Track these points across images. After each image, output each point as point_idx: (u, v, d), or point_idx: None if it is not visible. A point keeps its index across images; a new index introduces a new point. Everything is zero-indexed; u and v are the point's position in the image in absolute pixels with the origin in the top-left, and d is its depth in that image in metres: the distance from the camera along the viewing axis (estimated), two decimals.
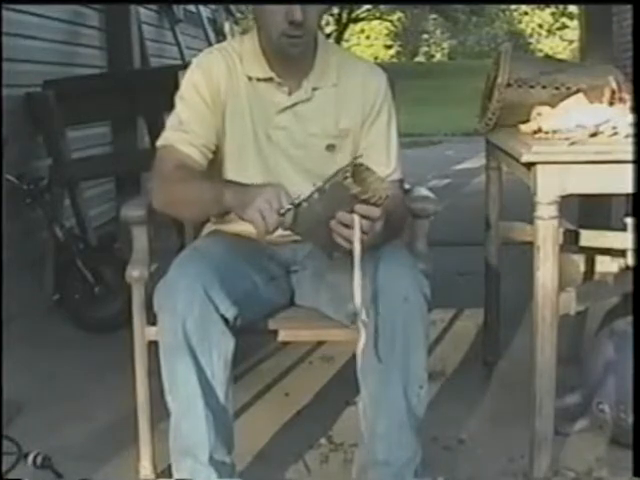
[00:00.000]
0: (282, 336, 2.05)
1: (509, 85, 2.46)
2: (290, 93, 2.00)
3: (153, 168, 1.97)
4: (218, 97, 1.99)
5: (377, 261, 1.84)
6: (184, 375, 1.81)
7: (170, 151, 1.96)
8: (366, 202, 1.71)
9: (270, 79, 1.99)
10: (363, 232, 1.71)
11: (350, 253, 1.72)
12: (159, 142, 2.00)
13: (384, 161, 2.06)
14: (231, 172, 2.02)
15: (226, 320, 1.82)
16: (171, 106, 2.06)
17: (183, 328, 1.78)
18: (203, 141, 1.97)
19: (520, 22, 32.70)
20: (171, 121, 2.00)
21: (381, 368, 1.83)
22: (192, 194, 1.89)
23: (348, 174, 1.71)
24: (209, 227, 2.14)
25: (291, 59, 1.97)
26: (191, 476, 1.84)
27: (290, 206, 1.71)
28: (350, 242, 1.71)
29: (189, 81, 2.01)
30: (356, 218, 1.70)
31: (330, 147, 2.01)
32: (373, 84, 2.05)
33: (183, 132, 1.96)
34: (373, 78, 2.06)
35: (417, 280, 1.84)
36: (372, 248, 1.84)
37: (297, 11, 1.85)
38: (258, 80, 2.00)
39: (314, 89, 2.01)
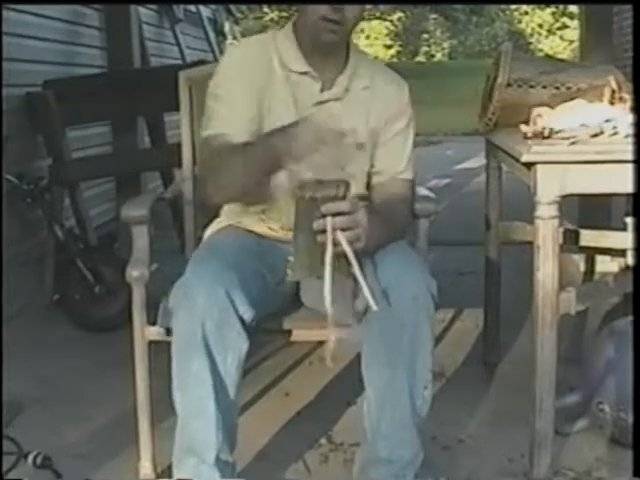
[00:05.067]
0: (287, 337, 2.05)
1: (509, 85, 2.46)
2: (323, 89, 2.02)
3: (200, 169, 2.01)
4: (252, 87, 1.98)
5: (386, 260, 1.84)
6: (198, 375, 1.81)
7: (212, 142, 1.94)
8: (327, 200, 1.71)
9: (306, 73, 2.01)
10: (346, 229, 1.71)
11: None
12: (202, 136, 1.99)
13: (398, 157, 2.08)
14: None
15: (243, 321, 1.82)
16: (171, 106, 2.06)
17: (202, 328, 1.78)
18: (244, 127, 1.93)
19: (520, 22, 32.63)
20: (209, 115, 1.99)
21: (388, 367, 1.84)
22: (237, 169, 1.84)
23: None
24: (218, 222, 2.13)
25: (326, 50, 1.99)
26: (193, 475, 1.84)
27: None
28: (337, 245, 1.71)
29: (222, 73, 2.01)
30: (328, 219, 1.70)
31: (360, 146, 2.03)
32: (399, 92, 2.11)
33: (222, 123, 1.95)
34: (399, 87, 2.12)
35: (426, 280, 1.85)
36: (380, 246, 1.85)
37: None
38: (292, 72, 2.01)
39: (346, 90, 2.03)
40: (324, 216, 1.71)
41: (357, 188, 2.03)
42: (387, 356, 1.83)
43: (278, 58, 2.02)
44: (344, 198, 1.74)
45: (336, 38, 1.96)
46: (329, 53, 2.01)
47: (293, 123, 1.79)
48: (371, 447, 1.89)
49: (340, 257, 1.74)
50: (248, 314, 1.82)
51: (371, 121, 2.05)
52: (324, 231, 1.71)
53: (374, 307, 1.74)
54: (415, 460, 1.88)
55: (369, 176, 2.09)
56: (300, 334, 2.05)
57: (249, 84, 1.98)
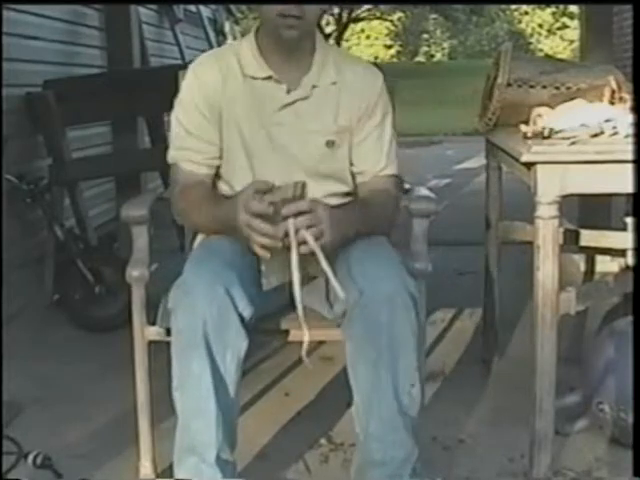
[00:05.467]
0: (285, 337, 2.05)
1: (509, 85, 2.46)
2: (289, 91, 2.01)
3: (169, 191, 2.11)
4: (213, 104, 2.01)
5: (361, 261, 1.85)
6: (198, 374, 1.81)
7: (177, 170, 2.05)
8: (286, 202, 1.78)
9: (269, 77, 2.01)
10: (310, 227, 1.78)
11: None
12: (168, 159, 2.08)
13: (376, 156, 2.08)
14: (241, 174, 2.03)
15: (242, 319, 1.83)
16: (171, 106, 2.07)
17: (203, 327, 1.78)
18: (204, 155, 2.02)
19: (520, 22, 32.69)
20: (173, 135, 2.06)
21: (370, 369, 1.83)
22: (203, 220, 2.00)
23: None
24: None
25: (288, 50, 1.98)
26: (194, 475, 1.84)
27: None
28: (304, 243, 1.78)
29: (185, 94, 2.05)
30: (290, 221, 1.77)
31: (330, 143, 2.03)
32: (370, 83, 2.08)
33: (184, 150, 2.04)
34: (370, 77, 2.09)
35: (402, 279, 1.84)
36: (356, 247, 1.88)
37: None
38: (256, 79, 2.01)
39: (313, 87, 2.02)
40: (285, 219, 1.77)
41: (337, 187, 2.06)
42: (369, 356, 1.83)
43: (240, 68, 2.02)
44: (302, 198, 1.83)
45: (296, 34, 1.94)
46: (292, 53, 2.00)
47: (249, 187, 1.85)
48: (364, 449, 1.89)
49: (309, 256, 1.80)
50: (247, 312, 1.83)
51: (341, 117, 2.04)
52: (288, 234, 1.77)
53: (341, 295, 1.79)
54: (409, 459, 1.87)
55: (352, 174, 2.09)
56: (298, 334, 2.05)
57: (209, 110, 2.01)
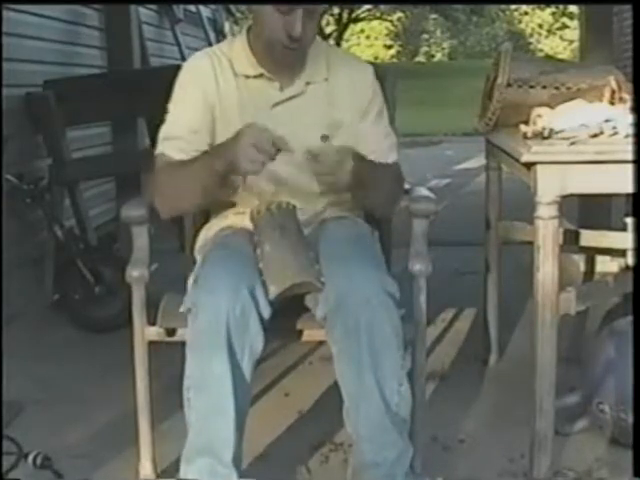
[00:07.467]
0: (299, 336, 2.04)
1: (509, 85, 2.46)
2: (282, 88, 2.03)
3: (152, 180, 2.01)
4: (207, 98, 2.01)
5: (339, 264, 1.86)
6: (219, 374, 1.80)
7: (163, 159, 1.99)
8: (281, 208, 1.88)
9: (261, 75, 2.02)
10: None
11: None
12: (155, 153, 2.03)
13: (378, 150, 2.08)
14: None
15: (261, 319, 1.83)
16: None
17: (226, 327, 1.78)
18: (194, 146, 2.00)
19: (520, 22, 32.70)
20: (163, 129, 2.04)
21: (353, 371, 1.83)
22: (185, 179, 1.93)
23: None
24: (212, 224, 2.13)
25: (283, 62, 2.00)
26: (208, 475, 1.82)
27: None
28: None
29: (178, 87, 2.05)
30: None
31: (324, 137, 2.04)
32: (362, 78, 2.10)
33: (174, 139, 2.00)
34: (362, 72, 2.11)
35: (381, 280, 1.84)
36: (336, 246, 1.91)
37: (297, 26, 1.88)
38: (248, 77, 2.03)
39: (307, 83, 2.04)
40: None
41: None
42: (352, 359, 1.83)
43: (231, 67, 2.03)
44: (294, 208, 1.90)
45: (292, 58, 1.99)
46: (286, 62, 2.01)
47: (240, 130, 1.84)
48: (357, 450, 1.88)
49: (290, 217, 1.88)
50: (266, 312, 1.83)
51: (335, 113, 2.05)
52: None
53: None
54: (402, 458, 1.86)
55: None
56: (312, 334, 2.04)
57: (203, 104, 2.01)
